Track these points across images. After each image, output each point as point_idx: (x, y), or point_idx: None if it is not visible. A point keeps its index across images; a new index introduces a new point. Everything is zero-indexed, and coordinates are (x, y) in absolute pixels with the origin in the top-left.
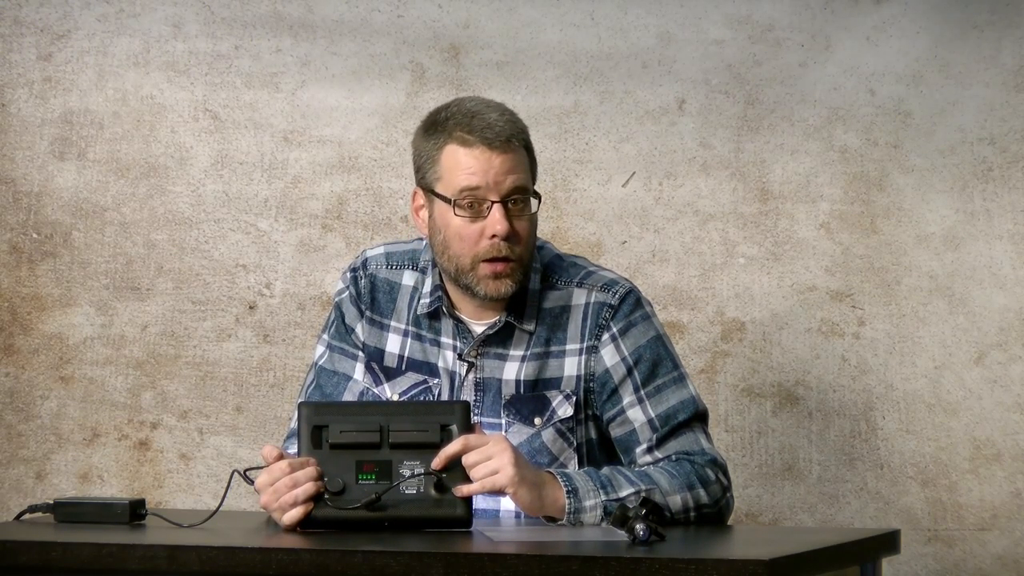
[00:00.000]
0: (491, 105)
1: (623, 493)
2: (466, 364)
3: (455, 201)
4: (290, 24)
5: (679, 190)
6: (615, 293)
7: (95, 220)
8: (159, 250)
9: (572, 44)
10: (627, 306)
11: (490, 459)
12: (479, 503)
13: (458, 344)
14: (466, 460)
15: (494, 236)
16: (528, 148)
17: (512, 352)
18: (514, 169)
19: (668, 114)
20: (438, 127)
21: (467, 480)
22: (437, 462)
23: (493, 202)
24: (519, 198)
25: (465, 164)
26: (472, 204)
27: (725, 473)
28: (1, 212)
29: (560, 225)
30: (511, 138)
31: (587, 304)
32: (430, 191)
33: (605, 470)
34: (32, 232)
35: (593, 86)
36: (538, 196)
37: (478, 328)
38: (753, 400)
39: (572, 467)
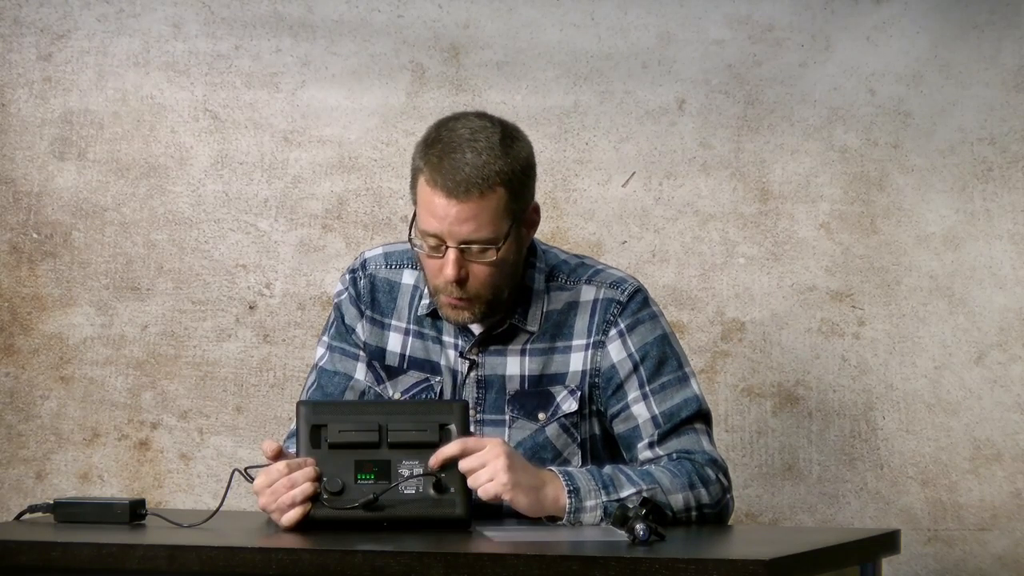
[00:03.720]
0: (475, 139)
1: (624, 493)
2: (468, 362)
3: (420, 235)
4: (290, 24)
5: (679, 190)
6: (624, 290)
7: (95, 220)
8: (159, 250)
9: (572, 44)
10: (635, 303)
11: (484, 466)
12: (479, 502)
13: (459, 342)
14: (462, 465)
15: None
16: (508, 186)
17: (511, 347)
18: (473, 218)
19: (668, 114)
20: (425, 149)
21: (465, 480)
22: (434, 462)
23: (448, 247)
24: (477, 246)
25: (427, 206)
26: (433, 242)
27: (725, 474)
28: (1, 212)
29: (560, 225)
30: (472, 187)
31: (595, 300)
32: (414, 208)
33: (607, 469)
34: (32, 232)
35: (593, 86)
36: (506, 239)
37: (477, 328)
38: (753, 400)
39: (575, 463)
